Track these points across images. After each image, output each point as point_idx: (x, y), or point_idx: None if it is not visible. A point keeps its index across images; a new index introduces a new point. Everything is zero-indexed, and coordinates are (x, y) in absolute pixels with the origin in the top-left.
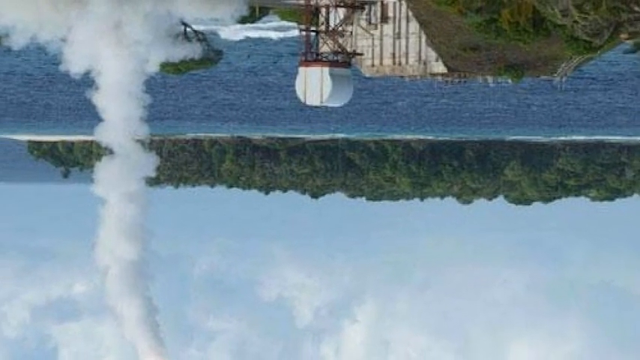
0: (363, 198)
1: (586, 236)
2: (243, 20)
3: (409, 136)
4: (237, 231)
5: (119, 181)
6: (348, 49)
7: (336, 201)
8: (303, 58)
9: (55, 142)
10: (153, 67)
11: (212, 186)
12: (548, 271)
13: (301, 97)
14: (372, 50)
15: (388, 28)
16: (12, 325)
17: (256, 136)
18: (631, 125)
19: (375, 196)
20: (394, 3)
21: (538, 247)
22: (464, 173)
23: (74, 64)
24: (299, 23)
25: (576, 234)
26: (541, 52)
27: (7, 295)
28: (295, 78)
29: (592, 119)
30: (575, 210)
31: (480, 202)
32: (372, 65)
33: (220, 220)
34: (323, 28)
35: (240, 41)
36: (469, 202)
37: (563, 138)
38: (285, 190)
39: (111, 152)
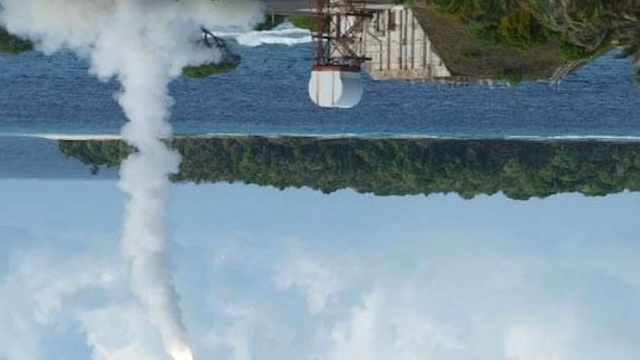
0: (372, 193)
1: (580, 229)
2: (259, 27)
3: (414, 136)
4: (254, 224)
5: (144, 177)
6: (358, 54)
7: (347, 196)
8: (316, 63)
9: (84, 141)
10: (176, 71)
11: (230, 182)
12: (544, 261)
13: (314, 99)
14: (380, 55)
15: (395, 35)
16: (44, 311)
17: (272, 135)
18: (622, 125)
19: (382, 192)
20: (400, 11)
21: (535, 239)
22: (465, 170)
23: (102, 68)
24: (312, 30)
25: (571, 227)
26: (538, 57)
27: (40, 284)
28: (308, 81)
29: (585, 120)
30: (569, 204)
31: (481, 197)
32: (380, 69)
33: (238, 214)
34: (334, 34)
35: (257, 47)
36: (470, 197)
37: (558, 137)
38: (298, 186)
39: (136, 150)
